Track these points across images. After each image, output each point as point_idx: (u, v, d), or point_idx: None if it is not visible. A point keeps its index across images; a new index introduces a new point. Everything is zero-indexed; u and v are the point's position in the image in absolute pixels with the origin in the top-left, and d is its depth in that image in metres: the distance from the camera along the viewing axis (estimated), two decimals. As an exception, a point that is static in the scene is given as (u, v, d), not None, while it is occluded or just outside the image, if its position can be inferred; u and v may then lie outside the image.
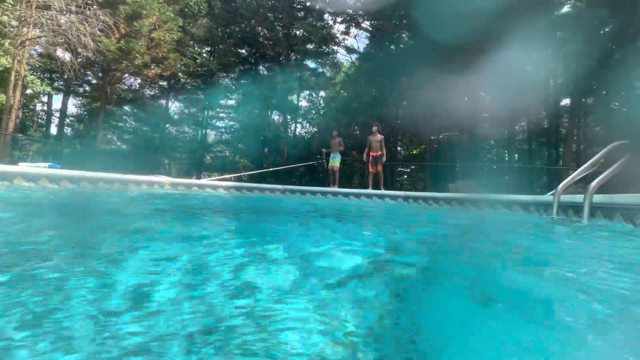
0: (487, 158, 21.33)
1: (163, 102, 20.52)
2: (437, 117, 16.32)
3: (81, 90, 17.76)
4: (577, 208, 3.07)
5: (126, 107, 20.17)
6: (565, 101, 17.43)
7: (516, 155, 18.56)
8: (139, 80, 18.20)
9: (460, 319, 0.84)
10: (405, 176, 23.66)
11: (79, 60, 11.67)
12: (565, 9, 13.51)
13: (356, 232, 2.64)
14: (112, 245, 1.42)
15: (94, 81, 16.11)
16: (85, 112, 21.40)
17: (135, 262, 1.16)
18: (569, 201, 3.26)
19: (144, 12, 11.67)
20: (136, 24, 11.67)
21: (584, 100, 16.67)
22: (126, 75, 15.32)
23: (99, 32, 11.10)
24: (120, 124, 21.10)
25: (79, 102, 21.11)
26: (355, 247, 1.81)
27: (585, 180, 3.28)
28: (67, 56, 12.34)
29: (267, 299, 0.86)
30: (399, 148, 21.86)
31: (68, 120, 20.78)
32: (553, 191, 4.95)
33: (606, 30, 12.36)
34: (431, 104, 16.10)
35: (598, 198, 2.77)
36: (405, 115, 19.40)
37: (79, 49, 10.68)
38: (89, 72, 14.96)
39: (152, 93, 20.42)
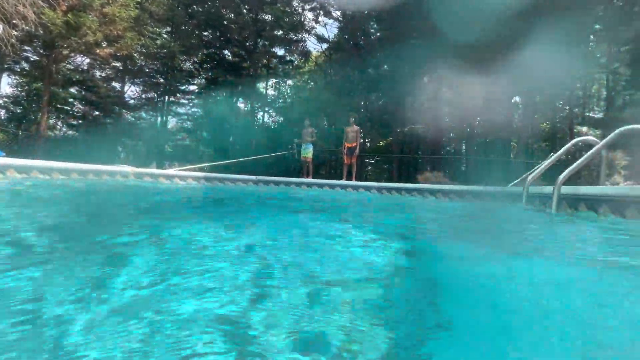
0: (447, 150, 22.50)
1: (117, 85, 18.88)
2: (404, 109, 16.79)
3: (18, 68, 15.74)
4: (545, 198, 3.33)
5: (73, 90, 18.24)
6: (516, 98, 18.83)
7: (474, 148, 19.74)
8: (87, 60, 16.54)
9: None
10: (370, 167, 24.17)
11: (16, 33, 10.28)
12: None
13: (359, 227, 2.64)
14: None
15: (35, 58, 14.34)
16: (23, 93, 19.06)
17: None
18: (537, 192, 3.52)
19: (95, -17, 10.52)
20: (86, -4, 10.49)
21: (532, 98, 18.09)
22: (74, 53, 13.81)
23: (41, 3, 9.83)
24: (66, 107, 19.07)
25: (15, 82, 18.71)
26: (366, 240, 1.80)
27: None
28: (0, 28, 10.80)
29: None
30: (366, 140, 22.25)
31: (1, 102, 18.36)
32: (515, 182, 5.33)
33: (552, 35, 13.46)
34: (399, 97, 16.55)
35: (565, 189, 3.02)
36: (374, 107, 19.73)
37: (16, 21, 9.38)
38: (28, 48, 13.28)
39: (103, 74, 18.70)
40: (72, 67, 16.69)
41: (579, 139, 3.42)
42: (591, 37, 13.97)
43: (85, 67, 17.46)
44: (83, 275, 0.90)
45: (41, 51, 13.07)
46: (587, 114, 19.10)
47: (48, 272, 0.90)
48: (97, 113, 18.83)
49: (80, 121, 19.25)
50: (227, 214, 2.74)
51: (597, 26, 13.37)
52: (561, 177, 3.08)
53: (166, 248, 1.20)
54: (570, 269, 1.28)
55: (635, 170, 6.59)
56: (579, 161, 2.98)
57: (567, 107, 17.92)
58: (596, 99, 19.68)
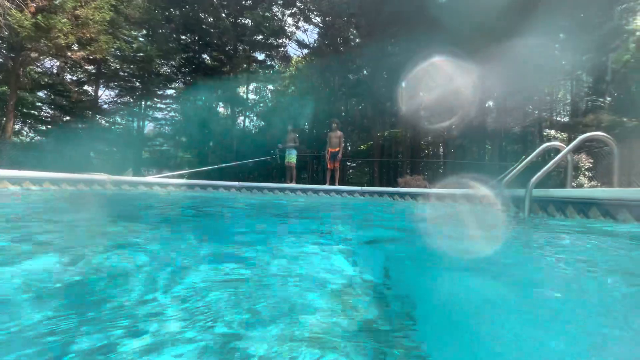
0: (425, 154, 23.12)
1: (90, 89, 18.17)
2: (384, 114, 17.14)
3: (-20, 70, 14.82)
4: (518, 201, 3.53)
5: (41, 94, 17.38)
6: (490, 103, 19.67)
7: (452, 151, 20.39)
8: (57, 63, 15.83)
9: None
10: (352, 171, 24.47)
11: (-21, 34, 9.74)
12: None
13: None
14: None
15: (0, 61, 13.58)
16: (-15, 97, 17.96)
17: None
18: (512, 195, 3.72)
19: (66, -16, 10.13)
20: (56, -3, 10.08)
21: (504, 102, 18.96)
22: (43, 56, 13.20)
23: (7, 4, 9.38)
24: (34, 112, 18.13)
25: (-24, 85, 17.59)
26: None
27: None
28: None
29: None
30: (347, 143, 22.51)
31: (-39, 106, 17.20)
32: (489, 184, 5.58)
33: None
34: (378, 101, 16.90)
35: (537, 192, 3.21)
36: (354, 111, 20.02)
37: (-21, 21, 8.89)
38: (-8, 50, 12.57)
39: (75, 78, 17.96)
40: (41, 71, 15.93)
41: (548, 144, 3.65)
42: (556, 45, 14.84)
43: (56, 71, 16.71)
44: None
45: (7, 54, 12.42)
46: (555, 118, 20.24)
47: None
48: (68, 118, 18.02)
49: (49, 126, 18.36)
50: (204, 223, 2.73)
51: (561, 35, 14.24)
52: (532, 180, 3.28)
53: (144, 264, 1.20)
54: (529, 266, 1.41)
55: (598, 172, 7.07)
56: (547, 166, 3.19)
57: (536, 112, 18.91)
58: (562, 104, 20.89)
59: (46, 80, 16.38)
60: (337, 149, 7.79)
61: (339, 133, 7.88)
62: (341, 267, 1.25)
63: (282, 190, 6.95)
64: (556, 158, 3.14)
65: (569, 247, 1.80)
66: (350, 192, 6.83)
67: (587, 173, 7.26)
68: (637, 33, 11.96)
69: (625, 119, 11.79)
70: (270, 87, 23.55)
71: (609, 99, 12.98)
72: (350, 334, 0.68)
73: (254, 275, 1.10)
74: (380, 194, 6.63)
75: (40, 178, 4.56)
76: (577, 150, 7.22)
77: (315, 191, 6.91)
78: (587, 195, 2.61)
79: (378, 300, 0.93)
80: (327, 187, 7.18)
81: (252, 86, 22.91)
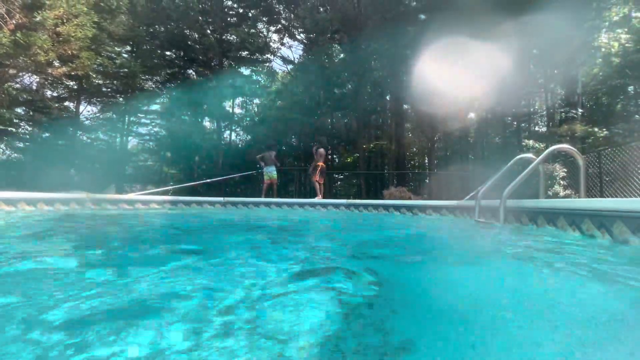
0: (411, 165, 23.53)
1: (71, 104, 17.87)
2: (369, 127, 17.43)
3: (-45, 87, 14.41)
4: (494, 211, 3.64)
5: (19, 110, 16.97)
6: (471, 114, 20.32)
7: (435, 162, 20.80)
8: (37, 79, 15.59)
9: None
10: (339, 183, 24.61)
11: (-45, 51, 9.51)
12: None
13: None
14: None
15: (-24, 77, 13.27)
16: (-40, 114, 17.39)
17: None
18: (487, 205, 3.83)
19: (47, 2, 10.08)
20: (37, 15, 10.01)
21: (485, 114, 19.63)
22: (22, 73, 12.99)
23: (-15, 21, 9.26)
24: (11, 129, 17.64)
25: (-50, 102, 17.04)
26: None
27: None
28: None
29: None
30: (334, 156, 22.71)
31: None
32: (469, 195, 5.73)
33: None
34: (363, 115, 17.21)
35: (510, 203, 3.32)
36: (340, 124, 20.29)
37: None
38: (-32, 67, 12.28)
39: (55, 94, 17.66)
40: (19, 87, 15.61)
41: (520, 156, 3.81)
42: (530, 60, 15.59)
43: (35, 87, 16.42)
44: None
45: (-16, 70, 12.16)
46: (533, 128, 21.02)
47: None
48: (47, 134, 17.61)
49: (27, 144, 17.87)
50: (187, 241, 2.70)
51: (535, 51, 14.99)
52: (506, 191, 3.40)
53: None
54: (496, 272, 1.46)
55: (572, 180, 7.37)
56: (519, 177, 3.31)
57: (515, 123, 19.61)
58: (539, 115, 21.75)
59: (25, 96, 16.04)
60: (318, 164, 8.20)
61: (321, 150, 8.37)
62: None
63: (267, 204, 6.94)
64: (527, 169, 3.27)
65: (533, 252, 1.87)
66: (336, 205, 6.88)
67: (561, 182, 7.54)
68: (602, 49, 12.70)
69: (596, 129, 12.38)
70: (256, 101, 23.72)
71: (581, 110, 13.63)
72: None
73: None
74: (365, 206, 6.69)
75: (15, 199, 4.42)
76: (549, 160, 7.52)
77: (301, 205, 6.94)
78: (554, 206, 2.72)
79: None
80: (314, 200, 7.25)
81: (238, 100, 23.02)
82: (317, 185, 8.17)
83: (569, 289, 1.24)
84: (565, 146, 3.22)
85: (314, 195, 8.29)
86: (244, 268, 1.51)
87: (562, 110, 16.07)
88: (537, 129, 21.21)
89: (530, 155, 3.92)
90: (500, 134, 20.45)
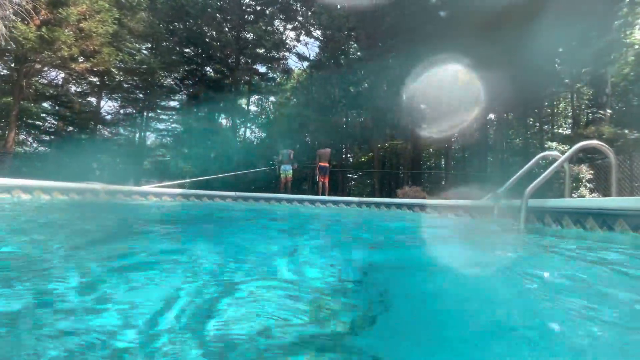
0: (427, 165, 23.06)
1: (93, 100, 18.43)
2: (384, 126, 17.15)
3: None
4: (515, 211, 3.42)
5: (45, 104, 17.63)
6: (491, 115, 19.68)
7: (452, 163, 20.30)
8: (62, 74, 16.14)
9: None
10: (353, 182, 24.39)
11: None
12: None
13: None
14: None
15: (3, 72, 13.88)
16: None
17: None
18: (508, 205, 3.61)
19: (72, -1, 10.39)
20: (62, 11, 10.32)
21: (505, 115, 18.98)
22: (47, 68, 13.47)
23: (12, 16, 9.59)
24: (38, 122, 18.36)
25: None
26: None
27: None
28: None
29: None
30: (348, 155, 22.53)
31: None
32: (488, 195, 5.47)
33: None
34: (379, 113, 16.95)
35: (532, 202, 3.11)
36: (355, 123, 20.06)
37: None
38: (-3, 62, 12.84)
39: (79, 89, 18.25)
40: (45, 82, 16.22)
41: (543, 154, 3.57)
42: (556, 59, 14.91)
43: (60, 82, 17.01)
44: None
45: (12, 65, 12.67)
46: (557, 130, 20.16)
47: None
48: (71, 128, 18.22)
49: (52, 137, 18.54)
50: (193, 234, 2.65)
51: (561, 49, 14.32)
52: (527, 190, 3.19)
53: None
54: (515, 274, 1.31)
55: (599, 183, 6.95)
56: (542, 175, 3.09)
57: (537, 124, 18.87)
58: (564, 116, 20.84)
59: (51, 91, 16.65)
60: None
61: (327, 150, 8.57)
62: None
63: (278, 200, 6.88)
64: (552, 167, 3.04)
65: (557, 257, 1.70)
66: (348, 203, 6.75)
67: (588, 185, 7.13)
68: (636, 46, 11.99)
69: (627, 131, 11.69)
70: (272, 99, 23.80)
71: (609, 111, 12.91)
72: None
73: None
74: (377, 204, 6.53)
75: (31, 186, 4.52)
76: (574, 160, 7.12)
77: (312, 201, 6.85)
78: (582, 205, 2.51)
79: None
80: (325, 197, 7.16)
81: (253, 98, 23.17)
82: (319, 183, 8.39)
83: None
84: (595, 142, 2.98)
85: (323, 193, 8.48)
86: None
87: (588, 111, 15.31)
88: (560, 130, 20.34)
89: (555, 152, 3.67)
90: (522, 135, 19.73)
